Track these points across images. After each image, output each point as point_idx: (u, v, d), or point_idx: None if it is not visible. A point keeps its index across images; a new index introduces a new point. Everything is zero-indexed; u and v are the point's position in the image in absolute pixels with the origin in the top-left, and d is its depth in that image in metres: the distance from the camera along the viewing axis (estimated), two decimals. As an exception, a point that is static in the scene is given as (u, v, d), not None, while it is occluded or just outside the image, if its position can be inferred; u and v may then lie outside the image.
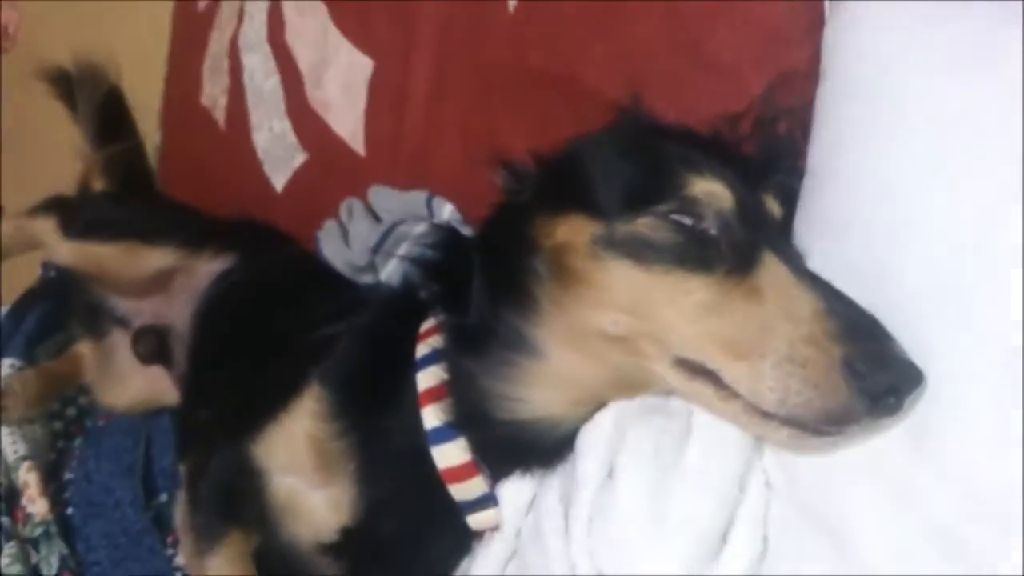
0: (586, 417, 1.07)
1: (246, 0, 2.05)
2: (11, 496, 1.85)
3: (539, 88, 1.41)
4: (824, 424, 0.87)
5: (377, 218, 1.66)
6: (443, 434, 1.11)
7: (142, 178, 2.41)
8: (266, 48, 1.97)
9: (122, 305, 2.00)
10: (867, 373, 0.84)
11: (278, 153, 1.93)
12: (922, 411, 0.87)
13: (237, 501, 1.27)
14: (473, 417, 1.10)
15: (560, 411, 1.08)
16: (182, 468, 1.45)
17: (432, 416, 1.12)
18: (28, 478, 1.85)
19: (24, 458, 1.89)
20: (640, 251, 0.97)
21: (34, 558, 1.77)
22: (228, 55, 2.10)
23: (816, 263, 0.99)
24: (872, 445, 0.90)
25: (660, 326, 0.96)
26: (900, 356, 0.86)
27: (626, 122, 1.19)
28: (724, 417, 0.98)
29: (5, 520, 1.79)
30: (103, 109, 2.46)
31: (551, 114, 1.40)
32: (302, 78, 1.87)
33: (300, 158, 1.89)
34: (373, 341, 1.27)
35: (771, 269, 0.94)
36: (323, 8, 1.84)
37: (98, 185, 2.27)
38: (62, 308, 2.17)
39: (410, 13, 1.65)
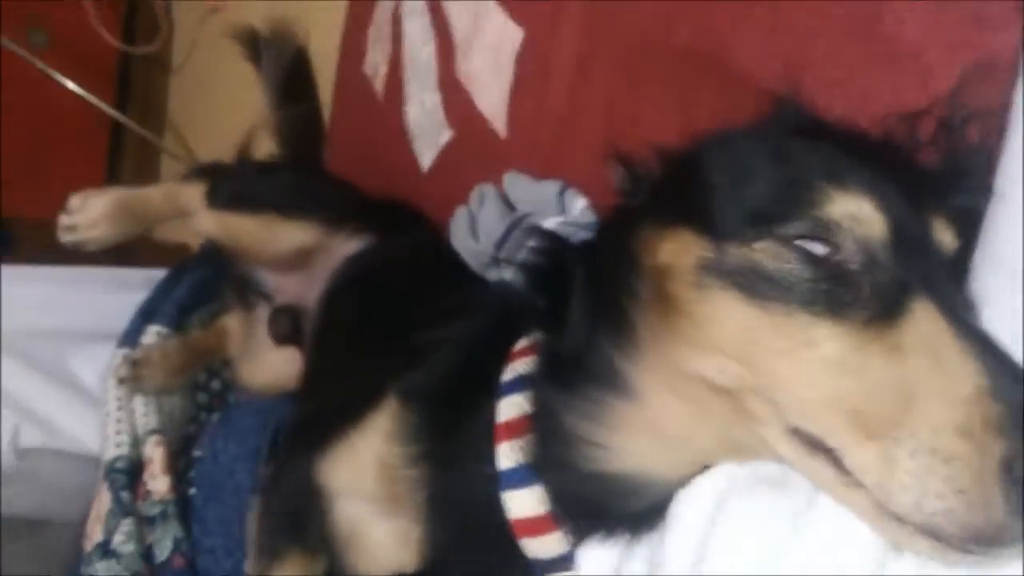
0: (685, 479, 0.88)
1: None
2: (136, 470, 1.81)
3: (686, 69, 1.19)
4: (970, 542, 0.67)
5: (512, 207, 1.48)
6: (517, 478, 0.94)
7: (312, 145, 2.34)
8: (426, 14, 1.82)
9: (269, 280, 1.94)
10: None
11: (427, 129, 1.78)
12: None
13: (301, 522, 1.15)
14: (553, 462, 0.93)
15: (653, 467, 0.89)
16: (265, 471, 1.33)
17: (507, 455, 0.95)
18: (154, 453, 1.81)
19: (153, 431, 1.85)
20: (754, 284, 0.77)
21: (149, 538, 1.71)
22: (391, 20, 1.97)
23: (992, 315, 0.77)
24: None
25: (773, 382, 0.76)
26: None
27: (778, 116, 0.97)
28: (848, 509, 0.76)
29: (125, 495, 1.74)
30: (288, 71, 2.44)
31: (698, 100, 1.18)
32: (455, 47, 1.71)
33: (446, 136, 1.74)
34: (467, 356, 1.11)
35: (924, 322, 0.73)
36: (479, -28, 1.67)
37: (262, 151, 2.22)
38: (217, 278, 2.12)
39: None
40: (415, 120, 1.82)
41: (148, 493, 1.75)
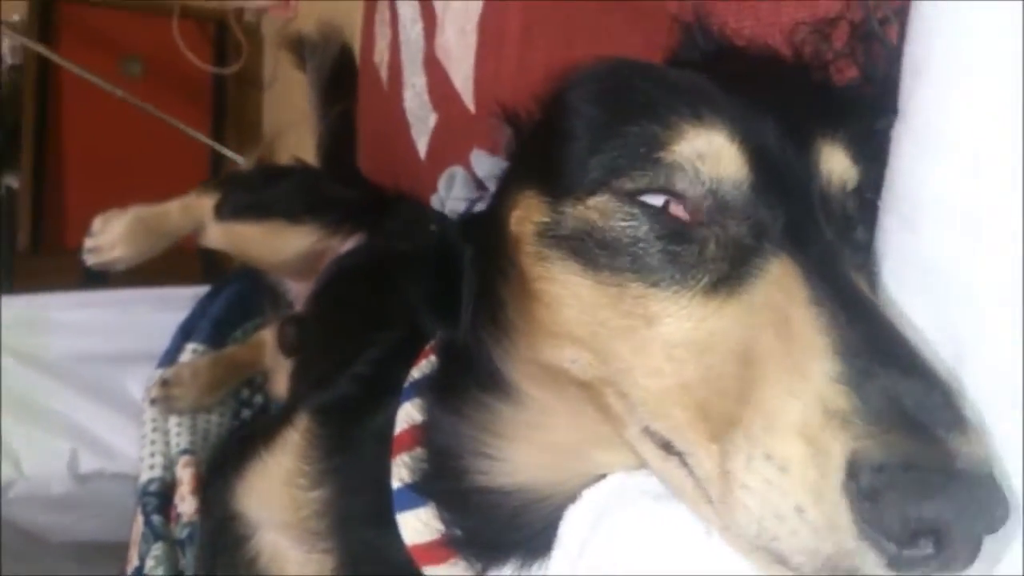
0: (580, 490, 0.73)
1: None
2: (171, 492, 1.76)
3: (615, 18, 1.04)
4: (823, 571, 0.50)
5: (484, 186, 1.35)
6: (408, 499, 0.83)
7: (348, 143, 2.27)
8: (414, -10, 1.71)
9: (293, 288, 1.86)
10: (884, 494, 0.47)
11: (419, 114, 1.67)
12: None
13: (227, 552, 1.06)
14: (442, 478, 0.80)
15: (546, 480, 0.75)
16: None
17: (398, 472, 0.83)
18: (183, 474, 1.76)
19: (184, 452, 1.80)
20: (590, 250, 0.63)
21: (181, 562, 1.67)
22: (389, 4, 1.87)
23: (890, 267, 0.62)
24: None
25: (620, 371, 0.62)
26: (961, 468, 0.48)
27: (684, 46, 0.84)
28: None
29: (156, 518, 1.70)
30: (332, 71, 2.37)
31: (628, 47, 1.03)
32: (436, 23, 1.59)
33: (432, 119, 1.62)
34: (383, 362, 0.99)
35: (778, 284, 0.57)
36: (451, -62, 1.54)
37: (283, 158, 2.16)
38: (255, 292, 2.07)
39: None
40: (410, 106, 1.72)
41: (178, 515, 1.71)
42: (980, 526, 0.47)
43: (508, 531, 0.76)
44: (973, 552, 0.47)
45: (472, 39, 1.40)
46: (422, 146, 1.69)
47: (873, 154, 0.65)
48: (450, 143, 1.57)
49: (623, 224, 0.62)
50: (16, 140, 3.57)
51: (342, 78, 2.38)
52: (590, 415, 0.68)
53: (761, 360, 0.54)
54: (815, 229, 0.60)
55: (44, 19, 3.60)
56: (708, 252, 0.60)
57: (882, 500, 0.46)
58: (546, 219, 0.67)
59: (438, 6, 1.58)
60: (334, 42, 2.45)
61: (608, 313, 0.62)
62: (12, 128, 3.61)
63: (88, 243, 1.90)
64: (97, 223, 1.90)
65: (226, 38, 3.87)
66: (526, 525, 0.76)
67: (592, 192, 0.64)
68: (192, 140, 3.55)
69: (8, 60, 3.65)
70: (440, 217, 0.91)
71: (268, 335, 1.99)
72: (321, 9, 2.81)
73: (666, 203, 0.61)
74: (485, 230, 0.79)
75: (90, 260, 1.90)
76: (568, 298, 0.65)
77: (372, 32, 2.05)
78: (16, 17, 3.59)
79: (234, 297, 2.09)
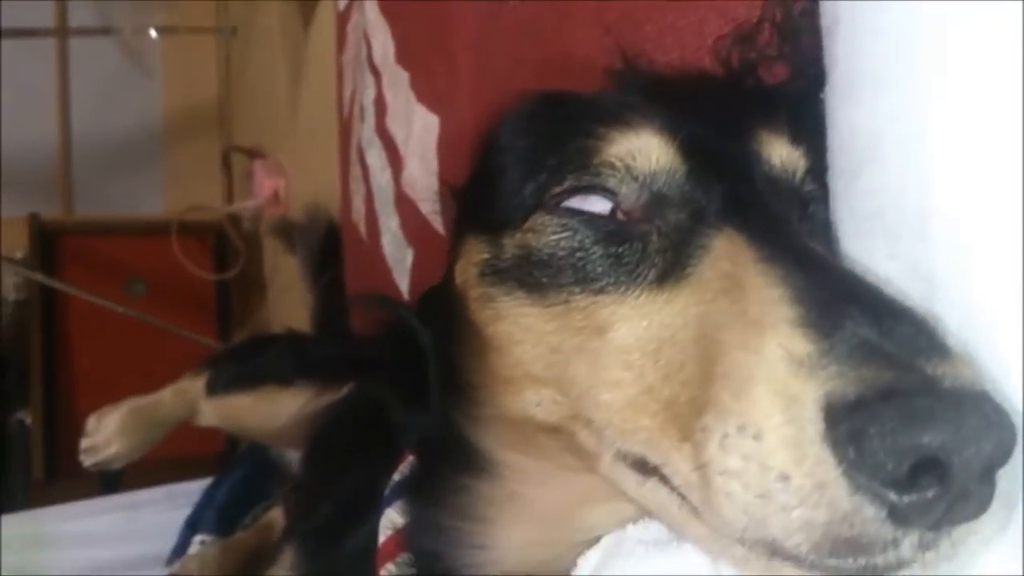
0: (573, 565, 0.66)
1: (364, 93, 1.83)
2: None
3: (545, 82, 1.02)
4: (832, 555, 0.43)
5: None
6: None
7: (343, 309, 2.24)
8: (377, 140, 1.72)
9: (295, 460, 1.79)
10: (868, 432, 0.41)
11: (397, 255, 1.65)
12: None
13: None
14: None
15: (536, 557, 0.68)
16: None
17: None
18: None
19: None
20: (531, 274, 0.62)
21: None
22: (359, 160, 1.88)
23: (848, 225, 0.57)
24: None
25: (580, 394, 0.59)
26: (950, 387, 0.42)
27: (619, 87, 0.83)
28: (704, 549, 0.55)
29: None
30: (321, 244, 2.39)
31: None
32: (401, 162, 1.59)
33: (409, 256, 1.59)
34: (369, 475, 0.93)
35: (725, 258, 0.54)
36: (405, 77, 1.56)
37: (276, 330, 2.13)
38: (260, 474, 2.00)
39: (451, 48, 1.31)
40: (388, 251, 1.70)
41: None
42: (984, 449, 0.40)
43: None
44: (986, 487, 0.41)
45: (433, 164, 1.39)
46: (404, 286, 1.66)
47: (819, 140, 0.61)
48: (428, 274, 1.54)
49: (558, 236, 0.60)
50: (26, 377, 3.59)
51: (330, 250, 2.39)
52: (568, 468, 0.63)
53: (719, 331, 0.49)
54: (760, 204, 0.57)
55: (46, 253, 3.66)
56: (651, 246, 0.57)
57: (867, 439, 0.40)
58: (486, 255, 0.65)
59: (400, 143, 1.58)
60: (320, 219, 2.48)
61: (560, 336, 0.59)
62: (21, 365, 3.63)
63: (84, 443, 1.85)
64: (91, 421, 1.86)
65: (225, 245, 3.93)
66: None
67: (528, 216, 0.61)
68: (201, 346, 3.55)
69: (13, 296, 3.70)
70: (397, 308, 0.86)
71: (277, 515, 1.91)
72: (309, 191, 2.84)
73: (612, 211, 0.59)
74: (439, 301, 0.76)
75: (87, 461, 1.84)
76: (518, 333, 0.62)
77: (348, 192, 2.06)
78: (19, 254, 3.66)
79: (239, 483, 2.02)
